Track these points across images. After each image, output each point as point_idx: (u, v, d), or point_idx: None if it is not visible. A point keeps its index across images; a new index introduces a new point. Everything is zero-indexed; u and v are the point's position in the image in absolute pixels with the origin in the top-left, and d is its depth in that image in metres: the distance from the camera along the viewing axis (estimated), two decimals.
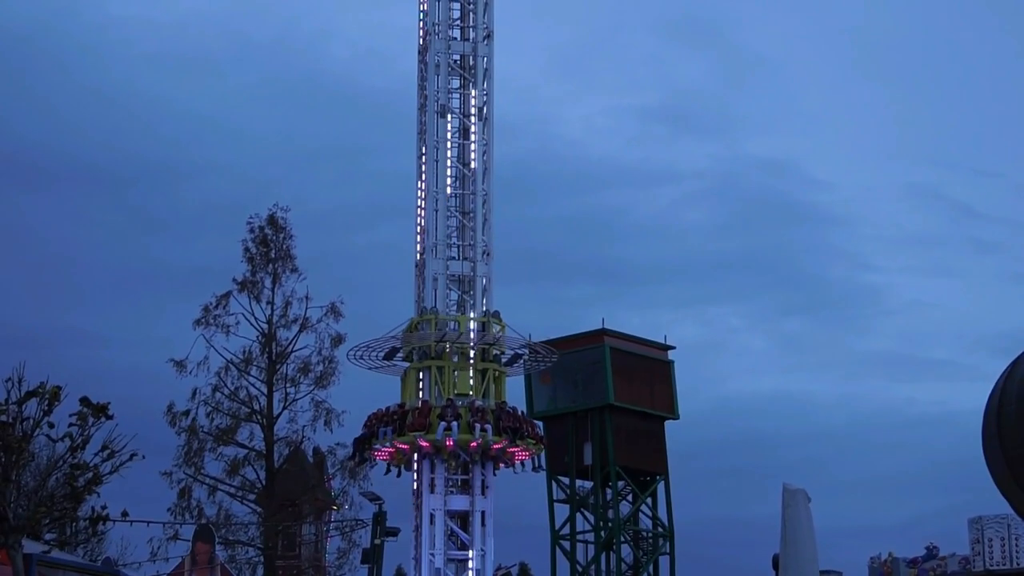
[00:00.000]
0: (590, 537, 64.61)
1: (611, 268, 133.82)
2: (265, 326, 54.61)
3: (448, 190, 50.07)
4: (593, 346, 64.67)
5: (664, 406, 65.79)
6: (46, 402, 25.86)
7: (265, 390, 54.36)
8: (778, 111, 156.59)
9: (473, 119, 50.57)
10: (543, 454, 50.11)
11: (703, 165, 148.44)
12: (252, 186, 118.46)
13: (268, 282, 55.18)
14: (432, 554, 47.45)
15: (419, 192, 50.64)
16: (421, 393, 48.47)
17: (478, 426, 47.15)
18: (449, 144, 50.41)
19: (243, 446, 54.38)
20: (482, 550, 47.89)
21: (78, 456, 26.25)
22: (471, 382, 48.49)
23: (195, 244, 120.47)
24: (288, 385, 54.49)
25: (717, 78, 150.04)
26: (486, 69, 50.89)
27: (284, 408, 54.37)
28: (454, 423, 47.09)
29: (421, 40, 51.89)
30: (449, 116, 50.56)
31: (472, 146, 50.43)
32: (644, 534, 65.64)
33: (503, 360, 49.78)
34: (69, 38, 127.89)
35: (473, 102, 50.71)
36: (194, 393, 53.65)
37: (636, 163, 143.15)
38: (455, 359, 48.69)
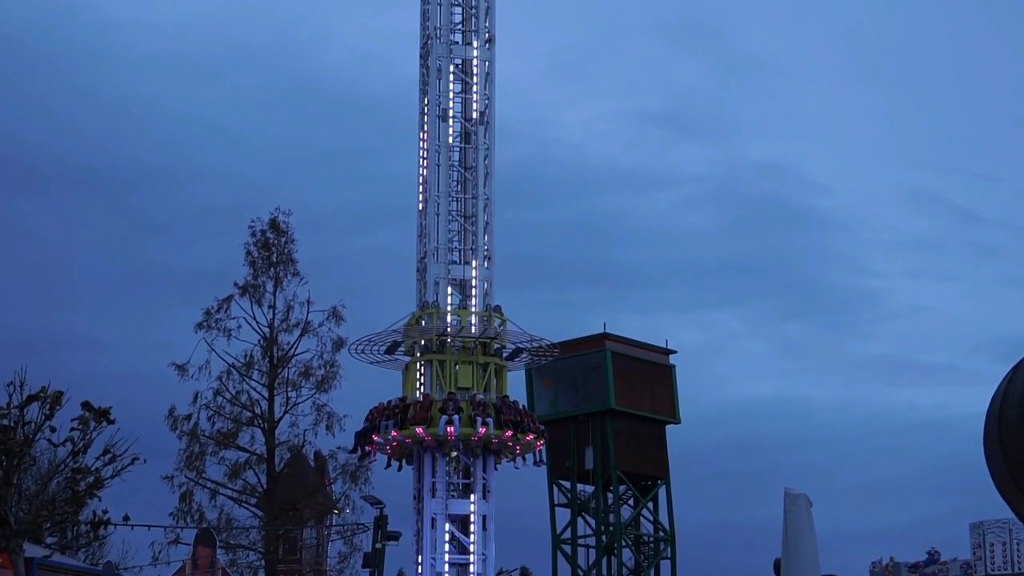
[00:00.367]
0: (591, 541, 64.58)
1: (611, 272, 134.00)
2: (267, 330, 54.64)
3: (449, 194, 50.12)
4: (594, 350, 64.64)
5: (665, 410, 65.78)
6: (48, 406, 25.89)
7: (266, 394, 54.39)
8: (777, 115, 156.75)
9: (474, 123, 50.61)
10: (544, 449, 50.18)
11: (702, 169, 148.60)
12: (251, 190, 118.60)
13: (270, 286, 55.23)
14: (433, 558, 47.44)
15: (420, 196, 50.68)
16: (422, 387, 48.58)
17: (479, 419, 47.29)
18: (450, 148, 50.48)
19: (244, 450, 54.40)
20: (483, 554, 47.87)
21: (79, 460, 26.29)
22: (472, 375, 48.66)
23: (195, 248, 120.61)
24: (289, 389, 54.54)
25: (716, 82, 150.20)
26: (488, 73, 50.93)
27: (285, 412, 54.41)
28: (455, 416, 47.21)
29: (423, 44, 51.93)
30: (450, 120, 50.62)
31: (473, 150, 50.46)
32: (645, 538, 65.60)
33: (504, 354, 49.90)
34: (68, 41, 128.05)
35: (474, 106, 50.75)
36: (195, 397, 53.70)
37: (635, 167, 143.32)
38: (456, 353, 48.85)
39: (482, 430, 47.23)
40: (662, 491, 65.09)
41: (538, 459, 49.90)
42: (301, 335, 54.81)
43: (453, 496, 48.30)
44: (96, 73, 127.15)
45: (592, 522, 64.42)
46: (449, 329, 48.40)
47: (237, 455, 54.36)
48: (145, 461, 26.76)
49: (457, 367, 48.62)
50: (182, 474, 53.47)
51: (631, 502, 64.81)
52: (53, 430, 26.02)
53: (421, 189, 50.73)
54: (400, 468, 49.33)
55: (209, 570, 51.72)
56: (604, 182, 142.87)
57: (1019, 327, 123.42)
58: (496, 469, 48.88)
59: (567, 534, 64.74)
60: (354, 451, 50.35)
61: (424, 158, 50.73)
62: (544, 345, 50.77)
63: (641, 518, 65.23)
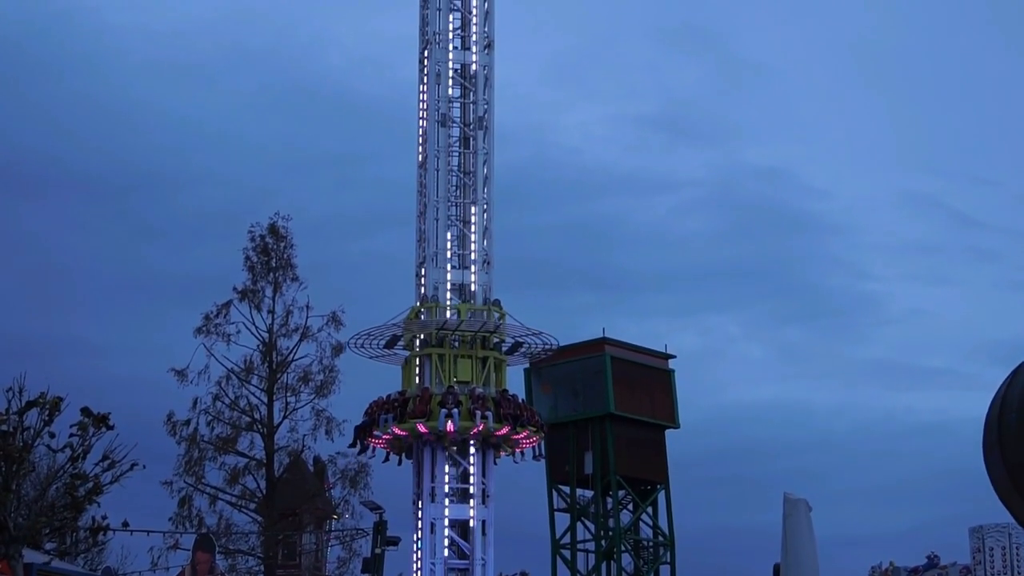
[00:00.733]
0: (591, 546, 64.60)
1: (609, 276, 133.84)
2: (266, 335, 54.61)
3: (448, 199, 50.17)
4: (594, 355, 64.68)
5: (665, 415, 65.80)
6: (47, 412, 25.88)
7: (266, 399, 54.36)
8: (776, 119, 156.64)
9: (473, 128, 50.65)
10: (543, 443, 50.30)
11: (701, 173, 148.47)
12: (249, 194, 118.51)
13: (269, 291, 55.19)
14: (433, 563, 47.44)
15: (419, 201, 50.72)
16: (419, 380, 48.70)
17: (479, 413, 47.36)
18: (449, 153, 50.53)
19: (243, 455, 54.38)
20: (483, 559, 47.87)
21: (79, 466, 26.26)
22: (472, 369, 48.75)
23: (193, 252, 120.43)
24: (289, 394, 54.50)
25: (714, 86, 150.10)
26: (486, 78, 50.98)
27: (285, 417, 54.37)
28: (455, 410, 47.30)
29: (422, 50, 51.97)
30: (450, 125, 50.68)
31: (472, 155, 50.50)
32: (645, 543, 65.61)
33: (503, 348, 50.02)
34: (65, 46, 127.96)
35: (473, 111, 50.81)
36: (195, 402, 53.67)
37: (633, 171, 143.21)
38: (455, 347, 48.94)
39: (481, 424, 47.33)
40: (661, 496, 65.10)
41: (537, 453, 50.04)
42: (300, 340, 54.79)
43: (452, 501, 48.32)
44: (93, 77, 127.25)
45: (591, 527, 64.43)
46: (448, 323, 48.56)
47: (236, 460, 54.35)
48: (144, 467, 26.76)
49: (456, 361, 48.79)
50: (181, 479, 53.44)
51: (630, 507, 64.82)
52: (52, 436, 26.01)
53: (420, 194, 50.78)
54: (400, 462, 49.45)
55: (208, 575, 51.69)
56: (602, 186, 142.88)
57: (1018, 331, 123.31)
58: (496, 464, 48.98)
59: (567, 539, 64.74)
60: (353, 445, 50.41)
61: (423, 163, 50.78)
62: (543, 343, 50.85)
63: (640, 523, 65.25)
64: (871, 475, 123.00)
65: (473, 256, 49.75)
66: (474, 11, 51.28)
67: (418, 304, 49.38)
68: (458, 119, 50.84)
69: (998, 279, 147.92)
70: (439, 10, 51.37)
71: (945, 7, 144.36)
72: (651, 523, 65.18)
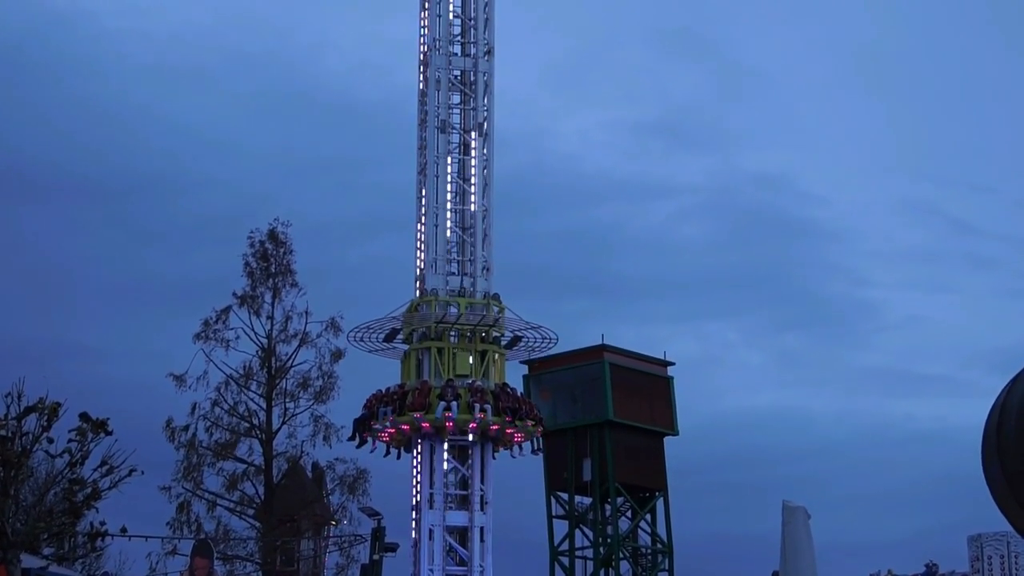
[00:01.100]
0: (589, 553, 64.49)
1: (607, 283, 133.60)
2: (265, 341, 54.63)
3: (448, 205, 50.22)
4: (592, 362, 64.59)
5: (664, 422, 65.72)
6: (45, 417, 25.87)
7: (264, 405, 54.37)
8: (774, 125, 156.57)
9: (473, 134, 50.70)
10: (540, 437, 50.42)
11: (699, 179, 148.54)
12: (247, 199, 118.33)
13: (268, 297, 55.21)
14: (431, 570, 47.43)
15: (419, 207, 50.77)
16: (418, 373, 48.81)
17: (477, 406, 47.46)
18: (449, 159, 50.59)
19: (242, 461, 54.38)
20: (481, 566, 47.88)
21: (77, 471, 26.25)
22: (471, 363, 48.87)
23: (191, 257, 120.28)
24: (287, 400, 54.51)
25: (713, 92, 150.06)
26: (486, 85, 51.04)
27: (283, 423, 54.38)
28: (453, 403, 47.40)
29: (422, 56, 52.02)
30: (449, 131, 50.75)
31: (472, 161, 50.55)
32: (643, 551, 65.52)
33: (503, 342, 50.11)
34: (64, 50, 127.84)
35: (473, 117, 50.86)
36: (193, 408, 53.69)
37: (632, 177, 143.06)
38: (454, 340, 49.05)
39: (480, 416, 47.43)
40: (660, 503, 65.00)
41: (535, 447, 50.16)
42: (299, 346, 54.83)
43: (451, 507, 48.32)
44: (92, 81, 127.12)
45: (590, 534, 64.34)
46: (448, 316, 48.70)
47: (235, 466, 54.35)
48: (143, 473, 26.76)
49: (455, 354, 48.92)
50: (180, 485, 53.45)
51: (629, 514, 64.73)
52: (51, 441, 26.00)
53: (419, 200, 50.81)
54: (399, 456, 49.56)
55: None
56: (601, 192, 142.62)
57: (1017, 339, 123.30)
58: (494, 458, 49.08)
59: (565, 546, 64.65)
60: (352, 439, 50.48)
61: (423, 169, 50.82)
62: (543, 337, 50.96)
63: (639, 530, 65.15)
64: (869, 482, 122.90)
65: (472, 261, 49.82)
66: (474, 17, 51.34)
67: (417, 298, 49.56)
68: (458, 125, 50.92)
69: (997, 286, 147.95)
70: (439, 16, 51.44)
71: (944, 13, 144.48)
72: (650, 530, 65.07)
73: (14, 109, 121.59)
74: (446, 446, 48.32)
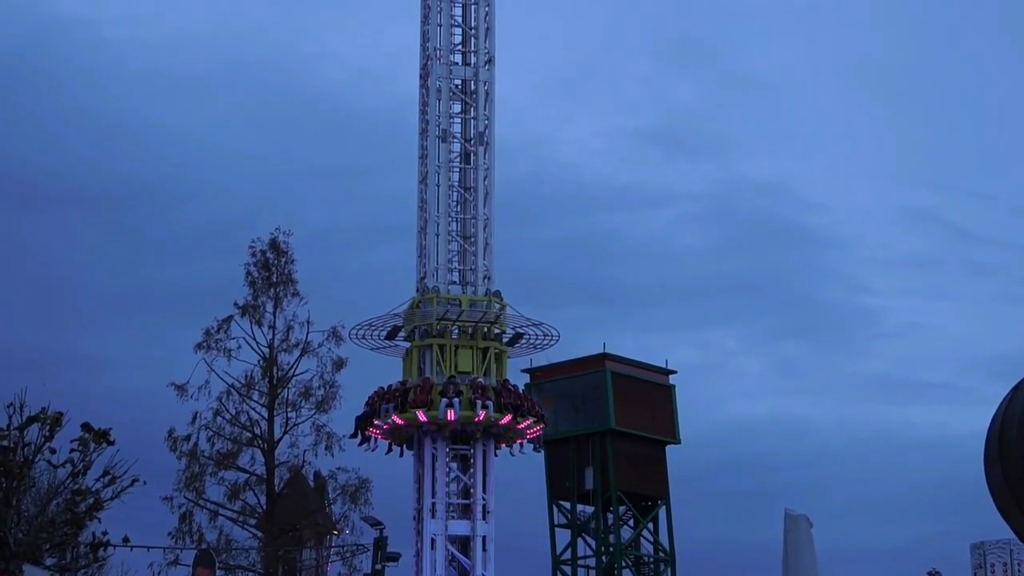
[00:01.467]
0: (592, 562, 64.53)
1: (606, 291, 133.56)
2: (266, 350, 54.59)
3: (449, 214, 50.29)
4: (594, 370, 64.69)
5: (665, 430, 65.76)
6: (47, 428, 25.86)
7: (266, 414, 54.32)
8: (773, 133, 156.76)
9: (474, 143, 50.76)
10: (541, 434, 50.52)
11: (698, 187, 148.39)
12: (247, 208, 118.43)
13: (270, 306, 55.16)
14: None
15: (420, 216, 50.83)
16: (420, 370, 48.90)
17: (479, 402, 47.51)
18: (450, 168, 50.66)
19: (244, 471, 54.30)
20: (483, 575, 47.84)
21: (79, 482, 26.22)
22: (472, 360, 48.97)
23: (191, 266, 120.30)
24: (289, 409, 54.39)
25: (712, 100, 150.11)
26: (487, 94, 51.09)
27: (285, 433, 54.27)
28: (455, 399, 47.45)
29: (423, 65, 52.08)
30: (451, 141, 50.80)
31: (473, 171, 50.61)
32: (645, 559, 65.53)
33: (504, 339, 50.18)
34: (62, 59, 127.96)
35: (474, 127, 50.91)
36: (195, 417, 53.58)
37: (631, 185, 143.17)
38: (456, 337, 49.13)
39: (482, 413, 47.51)
40: (662, 511, 65.06)
41: (537, 445, 50.27)
42: (301, 355, 54.70)
43: (453, 516, 48.31)
44: (91, 91, 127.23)
45: (592, 543, 64.38)
46: (449, 312, 48.80)
47: (237, 476, 54.27)
48: (145, 483, 26.75)
49: (457, 351, 49.02)
50: (181, 495, 53.34)
51: (631, 522, 64.77)
52: (53, 451, 25.99)
53: (421, 209, 50.88)
54: (401, 454, 49.64)
55: None
56: (600, 200, 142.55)
57: (1016, 345, 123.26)
58: (496, 455, 49.15)
59: (567, 555, 64.67)
60: (354, 436, 50.53)
61: (424, 178, 50.88)
62: (544, 334, 51.03)
63: (641, 538, 65.19)
64: (870, 489, 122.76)
65: (473, 270, 49.88)
66: (475, 27, 51.41)
67: (418, 295, 49.68)
68: (459, 134, 50.98)
69: (996, 293, 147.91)
70: (440, 26, 51.52)
71: (943, 22, 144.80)
72: (652, 539, 65.13)
73: (13, 118, 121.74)
74: (447, 448, 48.35)
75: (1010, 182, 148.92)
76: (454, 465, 48.61)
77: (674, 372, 67.55)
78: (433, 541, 47.74)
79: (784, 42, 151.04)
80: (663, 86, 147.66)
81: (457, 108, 51.27)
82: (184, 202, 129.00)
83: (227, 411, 53.93)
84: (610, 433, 63.67)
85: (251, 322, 54.63)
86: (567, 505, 64.51)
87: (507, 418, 47.99)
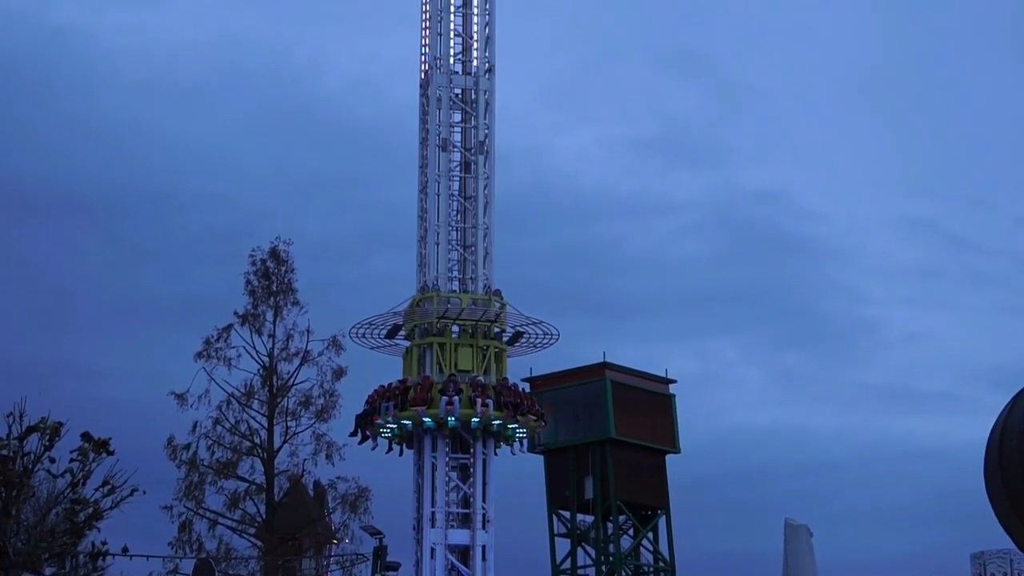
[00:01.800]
0: (591, 572, 64.46)
1: (606, 300, 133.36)
2: (266, 359, 54.58)
3: (449, 223, 50.36)
4: (594, 379, 64.67)
5: (665, 440, 65.73)
6: (47, 437, 25.84)
7: (266, 423, 54.30)
8: (772, 142, 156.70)
9: (474, 153, 50.82)
10: (543, 433, 50.60)
11: (697, 196, 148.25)
12: (245, 217, 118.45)
13: (269, 315, 55.15)
14: None
15: (420, 225, 50.88)
16: (420, 369, 48.97)
17: (479, 401, 47.57)
18: (450, 178, 50.74)
19: (244, 480, 54.27)
20: None
21: (78, 491, 26.19)
22: (472, 358, 49.06)
23: (189, 275, 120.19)
24: (289, 418, 54.38)
25: (711, 108, 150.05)
26: (487, 103, 51.15)
27: (285, 442, 54.25)
28: (455, 398, 47.50)
29: (423, 74, 52.15)
30: (451, 150, 50.85)
31: (473, 180, 50.67)
32: (645, 568, 65.48)
33: (504, 338, 50.24)
34: (60, 69, 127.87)
35: (474, 136, 50.98)
36: (195, 426, 53.56)
37: (630, 194, 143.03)
38: (456, 336, 49.20)
39: (482, 411, 47.58)
40: (662, 521, 65.01)
41: (536, 443, 50.39)
42: (301, 364, 54.70)
43: (453, 526, 48.29)
44: (89, 100, 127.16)
45: (592, 552, 64.31)
46: (449, 311, 48.87)
47: (236, 485, 54.23)
48: (144, 492, 26.71)
49: (457, 350, 49.10)
50: (181, 504, 53.31)
51: (631, 532, 64.72)
52: (52, 461, 25.95)
53: (421, 219, 50.93)
54: (401, 453, 49.71)
55: None
56: (598, 209, 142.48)
57: (1017, 355, 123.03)
58: (496, 454, 49.25)
59: (567, 564, 64.61)
60: (354, 434, 50.57)
61: (424, 188, 50.93)
62: (544, 332, 51.09)
63: (641, 548, 65.12)
64: (870, 499, 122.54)
65: (473, 279, 49.90)
66: (475, 36, 51.47)
67: (419, 294, 49.76)
68: (459, 144, 51.04)
69: (997, 303, 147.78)
70: (440, 35, 51.60)
71: (941, 31, 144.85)
72: (652, 548, 65.07)
73: (11, 128, 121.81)
74: (447, 458, 48.38)
75: (1011, 191, 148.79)
76: (454, 474, 48.62)
77: (674, 381, 67.56)
78: (433, 550, 47.72)
79: (783, 51, 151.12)
80: (662, 95, 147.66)
81: (457, 117, 51.34)
82: (183, 211, 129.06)
83: (227, 420, 53.89)
84: (610, 442, 63.64)
85: (251, 331, 54.62)
86: (567, 514, 64.47)
87: (507, 416, 48.16)
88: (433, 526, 47.85)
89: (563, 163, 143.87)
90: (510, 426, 48.74)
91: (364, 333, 50.55)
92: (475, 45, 51.43)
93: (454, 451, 49.12)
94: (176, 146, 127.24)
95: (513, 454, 50.08)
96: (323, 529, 59.31)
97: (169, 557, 51.05)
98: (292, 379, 54.65)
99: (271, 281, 55.49)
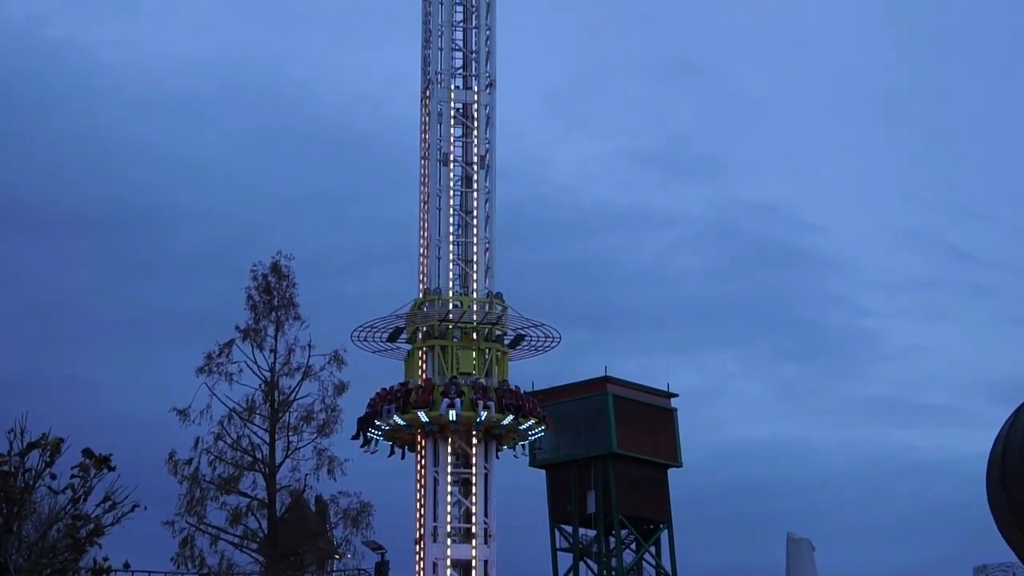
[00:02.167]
0: None
1: (606, 314, 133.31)
2: (268, 374, 54.59)
3: (450, 238, 50.42)
4: (596, 394, 64.63)
5: (667, 454, 65.67)
6: (48, 453, 25.83)
7: (268, 438, 54.28)
8: (771, 155, 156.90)
9: (475, 167, 50.90)
10: (543, 435, 50.65)
11: (697, 209, 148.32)
12: (243, 232, 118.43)
13: (271, 330, 55.17)
14: None
15: (421, 240, 50.92)
16: (424, 373, 49.07)
17: (481, 403, 47.64)
18: (451, 192, 50.81)
19: (245, 495, 54.24)
20: None
21: (80, 507, 26.17)
22: (474, 361, 49.12)
23: (188, 290, 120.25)
24: (291, 433, 54.40)
25: (710, 122, 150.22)
26: (488, 117, 51.24)
27: (286, 457, 54.26)
28: (457, 400, 47.58)
29: (423, 89, 52.23)
30: (451, 165, 50.92)
31: (474, 194, 50.74)
32: None
33: (506, 341, 50.29)
34: (57, 84, 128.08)
35: (475, 150, 51.05)
36: (197, 442, 53.56)
37: (630, 208, 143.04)
38: (458, 339, 49.26)
39: (484, 414, 47.66)
40: (664, 535, 64.94)
41: (537, 445, 50.48)
42: (302, 379, 54.72)
43: (455, 540, 48.24)
44: (86, 116, 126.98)
45: (594, 567, 64.21)
46: (451, 314, 48.87)
47: (238, 500, 54.20)
48: (146, 508, 26.69)
49: (459, 353, 49.18)
50: (183, 519, 53.28)
51: (633, 546, 64.63)
52: (54, 477, 25.94)
53: (421, 233, 50.98)
54: (403, 456, 49.74)
55: None
56: (598, 223, 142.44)
57: (1018, 367, 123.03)
58: (498, 458, 49.31)
59: None
60: (356, 437, 50.59)
61: (425, 202, 50.99)
62: (545, 335, 51.12)
63: (643, 562, 65.03)
64: (871, 513, 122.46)
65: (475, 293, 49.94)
66: (475, 50, 51.58)
67: (420, 297, 49.84)
68: (460, 158, 51.11)
69: (997, 315, 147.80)
70: (441, 50, 51.69)
71: (939, 43, 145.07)
72: (654, 563, 64.97)
73: (7, 143, 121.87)
74: (448, 472, 48.36)
75: (1010, 203, 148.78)
76: (455, 489, 48.58)
77: (675, 395, 67.51)
78: (435, 565, 47.64)
79: (782, 64, 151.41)
80: (661, 108, 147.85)
81: (458, 132, 51.39)
82: (180, 227, 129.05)
83: (229, 435, 53.90)
84: (612, 457, 63.59)
85: (252, 346, 54.65)
86: (569, 529, 64.40)
87: (508, 418, 48.27)
88: (435, 541, 47.79)
89: (563, 177, 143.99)
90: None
91: (366, 336, 50.68)
92: (476, 60, 51.54)
93: (456, 460, 49.06)
94: (174, 161, 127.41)
95: (516, 457, 50.21)
96: (325, 544, 59.28)
97: (171, 573, 51.03)
98: (294, 394, 54.68)
99: (272, 296, 55.53)
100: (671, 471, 66.01)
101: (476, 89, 51.33)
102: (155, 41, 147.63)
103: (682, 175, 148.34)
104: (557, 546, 64.62)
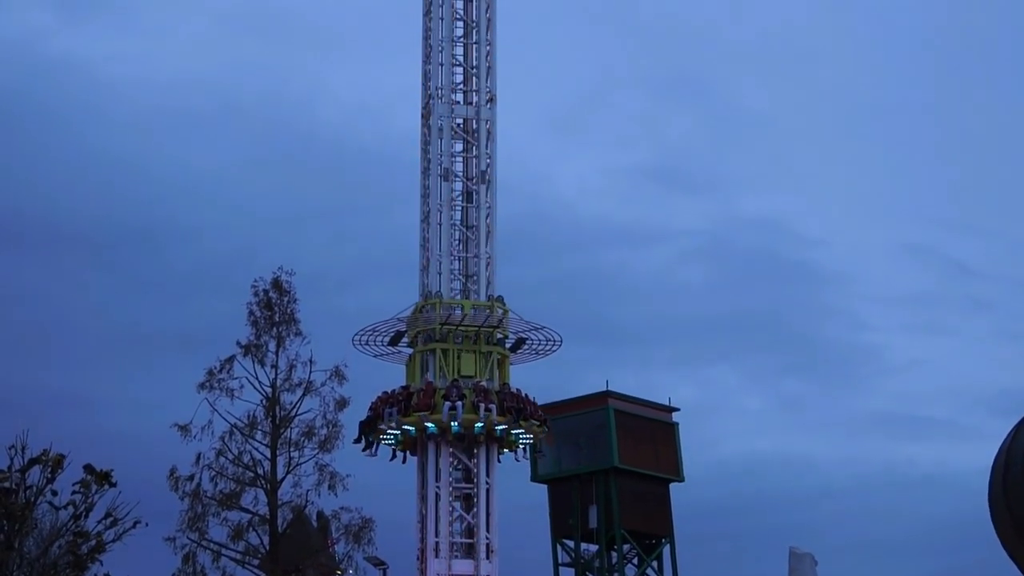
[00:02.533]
0: None
1: (607, 329, 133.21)
2: (269, 390, 54.55)
3: (451, 253, 50.45)
4: (597, 408, 64.55)
5: (669, 468, 65.58)
6: (49, 470, 25.83)
7: (269, 454, 54.22)
8: (771, 169, 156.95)
9: (476, 182, 50.95)
10: (544, 438, 50.67)
11: (696, 224, 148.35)
12: (243, 247, 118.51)
13: (272, 345, 55.15)
14: None
15: (422, 255, 50.95)
16: (423, 375, 49.07)
17: (482, 406, 47.63)
18: (452, 207, 50.87)
19: (247, 511, 54.16)
20: None
21: (81, 524, 26.17)
22: (475, 364, 49.16)
23: (186, 306, 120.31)
24: (292, 449, 54.31)
25: (709, 136, 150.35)
26: (489, 132, 51.30)
27: (288, 472, 54.12)
28: (458, 403, 47.59)
29: (424, 104, 52.29)
30: (452, 180, 50.97)
31: (475, 209, 50.79)
32: None
33: (507, 344, 50.29)
34: (55, 101, 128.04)
35: (476, 165, 51.10)
36: (198, 458, 53.47)
37: (629, 223, 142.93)
38: (459, 342, 49.25)
39: (484, 416, 47.71)
40: (666, 550, 64.82)
41: (538, 448, 50.51)
42: (304, 395, 54.64)
43: (457, 556, 48.20)
44: (84, 132, 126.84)
45: None
46: (452, 317, 48.95)
47: (240, 516, 54.10)
48: (147, 524, 26.70)
49: (460, 356, 49.23)
50: (184, 536, 53.18)
51: (635, 561, 64.52)
52: (55, 493, 25.96)
53: (423, 248, 51.02)
54: (404, 460, 49.70)
55: None
56: (598, 238, 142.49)
57: (1018, 381, 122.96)
58: (499, 461, 49.28)
59: None
60: (358, 441, 50.59)
61: (426, 217, 51.03)
62: (547, 339, 51.18)
63: None
64: (873, 527, 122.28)
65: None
66: (476, 66, 51.64)
67: (422, 300, 49.87)
68: (461, 173, 51.15)
69: (996, 329, 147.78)
70: (442, 65, 51.77)
71: (937, 57, 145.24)
72: None
73: (4, 161, 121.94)
74: (451, 488, 48.37)
75: (1010, 217, 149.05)
76: (457, 504, 48.53)
77: (677, 409, 67.43)
78: None
79: (781, 79, 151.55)
80: (661, 123, 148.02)
81: (459, 147, 51.45)
82: (179, 242, 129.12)
83: (230, 451, 53.81)
84: (614, 471, 63.49)
85: (254, 361, 54.59)
86: (571, 544, 64.28)
87: (509, 421, 48.34)
88: (437, 556, 47.74)
89: (563, 191, 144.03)
90: (514, 432, 48.86)
91: (368, 340, 50.72)
92: (476, 75, 51.61)
93: (457, 475, 49.03)
94: (174, 177, 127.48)
95: (517, 460, 50.22)
96: (327, 560, 59.19)
97: None
98: (295, 409, 54.59)
99: (274, 311, 55.50)
100: (673, 485, 65.92)
101: (477, 104, 51.41)
102: (154, 58, 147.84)
103: (682, 190, 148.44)
104: (559, 561, 64.50)
